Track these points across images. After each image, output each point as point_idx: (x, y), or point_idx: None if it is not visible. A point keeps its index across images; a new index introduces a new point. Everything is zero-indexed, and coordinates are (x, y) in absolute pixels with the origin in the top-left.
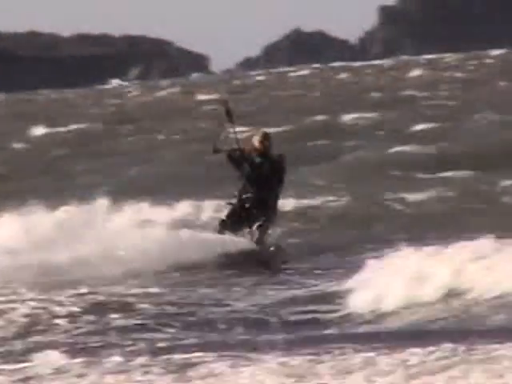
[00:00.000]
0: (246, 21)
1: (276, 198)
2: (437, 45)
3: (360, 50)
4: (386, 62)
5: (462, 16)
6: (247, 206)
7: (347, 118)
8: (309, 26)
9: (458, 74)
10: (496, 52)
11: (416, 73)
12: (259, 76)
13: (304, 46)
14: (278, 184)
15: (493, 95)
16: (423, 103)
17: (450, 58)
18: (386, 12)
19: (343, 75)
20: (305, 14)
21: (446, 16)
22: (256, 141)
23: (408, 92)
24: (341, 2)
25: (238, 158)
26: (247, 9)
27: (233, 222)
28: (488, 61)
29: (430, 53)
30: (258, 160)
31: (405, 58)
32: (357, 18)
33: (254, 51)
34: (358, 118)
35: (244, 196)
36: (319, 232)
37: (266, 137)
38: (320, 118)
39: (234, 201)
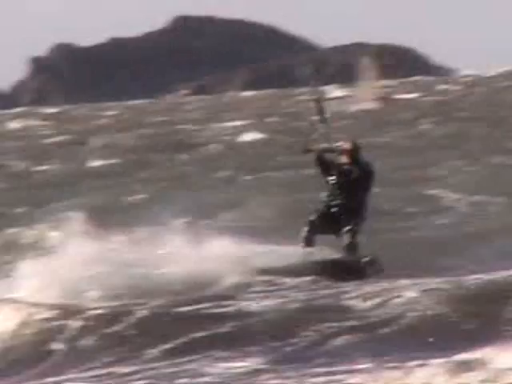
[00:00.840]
0: None
1: (363, 205)
2: (83, 95)
3: (13, 98)
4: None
5: (108, 68)
6: (334, 211)
7: None
8: None
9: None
10: (134, 102)
11: (13, 125)
12: None
13: None
14: (365, 191)
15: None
16: None
17: (85, 108)
18: (36, 62)
19: None
20: None
21: (92, 68)
22: (347, 147)
23: None
24: None
25: (328, 162)
26: None
27: (321, 223)
28: (120, 111)
29: (83, 102)
30: (346, 167)
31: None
32: (11, 67)
33: None
34: None
35: (332, 202)
36: None
37: (355, 145)
38: None
39: (321, 205)
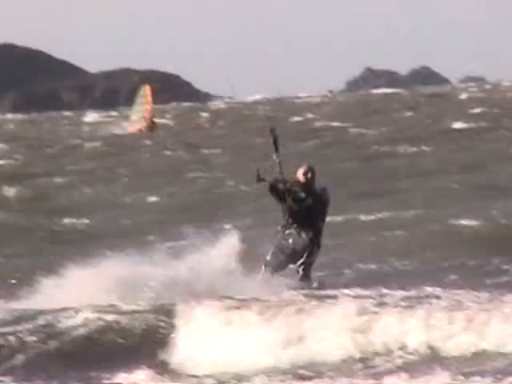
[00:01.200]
0: None
1: (319, 232)
2: None
3: None
4: None
5: None
6: (290, 241)
7: None
8: None
9: None
10: None
11: None
12: None
13: None
14: (320, 218)
15: None
16: None
17: None
18: None
19: None
20: None
21: None
22: (300, 174)
23: None
24: None
25: (282, 190)
26: None
27: (277, 263)
28: None
29: None
30: (301, 195)
31: None
32: None
33: None
34: None
35: (287, 231)
36: None
37: (309, 170)
38: None
39: (277, 235)
